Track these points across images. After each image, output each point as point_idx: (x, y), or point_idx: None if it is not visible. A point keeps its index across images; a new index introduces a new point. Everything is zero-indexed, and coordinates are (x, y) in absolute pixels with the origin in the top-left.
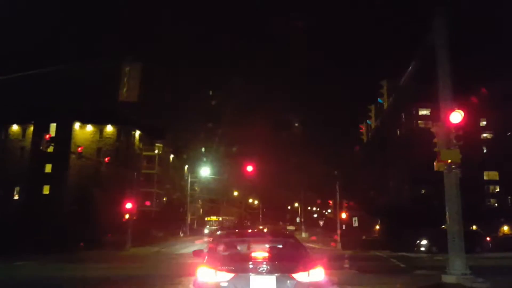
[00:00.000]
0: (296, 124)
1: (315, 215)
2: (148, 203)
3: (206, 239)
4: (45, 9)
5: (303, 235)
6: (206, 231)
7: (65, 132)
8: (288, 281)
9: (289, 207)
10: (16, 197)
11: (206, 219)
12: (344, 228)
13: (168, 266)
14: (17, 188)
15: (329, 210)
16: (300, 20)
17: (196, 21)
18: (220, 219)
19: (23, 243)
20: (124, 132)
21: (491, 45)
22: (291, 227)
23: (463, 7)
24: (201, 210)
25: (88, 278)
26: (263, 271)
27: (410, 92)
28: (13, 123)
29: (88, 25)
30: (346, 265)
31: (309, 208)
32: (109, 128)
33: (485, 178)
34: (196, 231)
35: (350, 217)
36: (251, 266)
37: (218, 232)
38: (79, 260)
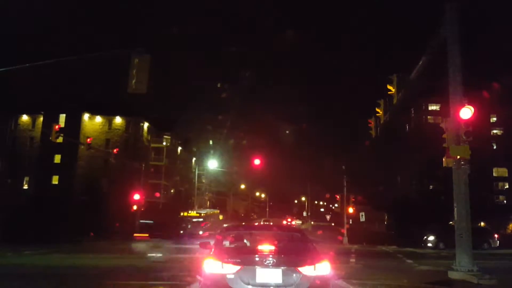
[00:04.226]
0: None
1: (322, 209)
2: (156, 194)
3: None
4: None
5: (310, 229)
6: (181, 231)
7: (74, 123)
8: (294, 275)
9: (296, 201)
10: (25, 187)
11: (182, 214)
12: (351, 222)
13: (175, 257)
14: (26, 178)
15: (336, 205)
16: (309, 15)
17: (205, 14)
18: (203, 214)
19: (32, 232)
20: (132, 124)
21: (503, 39)
22: (298, 221)
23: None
24: (208, 203)
25: (98, 267)
26: (269, 264)
27: (420, 87)
28: (23, 113)
29: (97, 16)
30: (353, 260)
31: (316, 202)
32: (118, 120)
33: (494, 174)
34: None
35: (357, 212)
36: (257, 259)
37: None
38: (87, 250)
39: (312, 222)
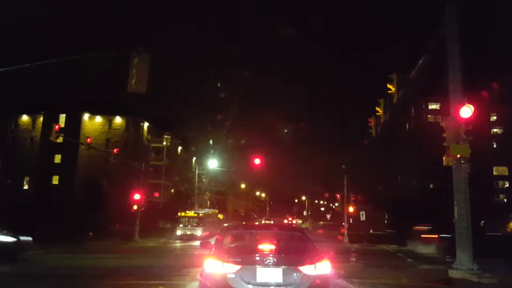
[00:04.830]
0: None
1: (322, 209)
2: (156, 194)
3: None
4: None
5: (310, 228)
6: (178, 232)
7: (74, 123)
8: (294, 274)
9: (296, 200)
10: (25, 187)
11: (179, 214)
12: (351, 222)
13: (175, 257)
14: (26, 178)
15: (336, 204)
16: (309, 15)
17: (205, 14)
18: (201, 214)
19: (32, 232)
20: (132, 124)
21: (503, 37)
22: (299, 221)
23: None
24: (208, 202)
25: (98, 268)
26: (270, 263)
27: (420, 86)
28: (23, 114)
29: (95, 16)
30: (353, 259)
31: (316, 201)
32: (118, 120)
33: (494, 173)
34: None
35: (357, 211)
36: (257, 258)
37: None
38: (88, 250)
39: (321, 222)
